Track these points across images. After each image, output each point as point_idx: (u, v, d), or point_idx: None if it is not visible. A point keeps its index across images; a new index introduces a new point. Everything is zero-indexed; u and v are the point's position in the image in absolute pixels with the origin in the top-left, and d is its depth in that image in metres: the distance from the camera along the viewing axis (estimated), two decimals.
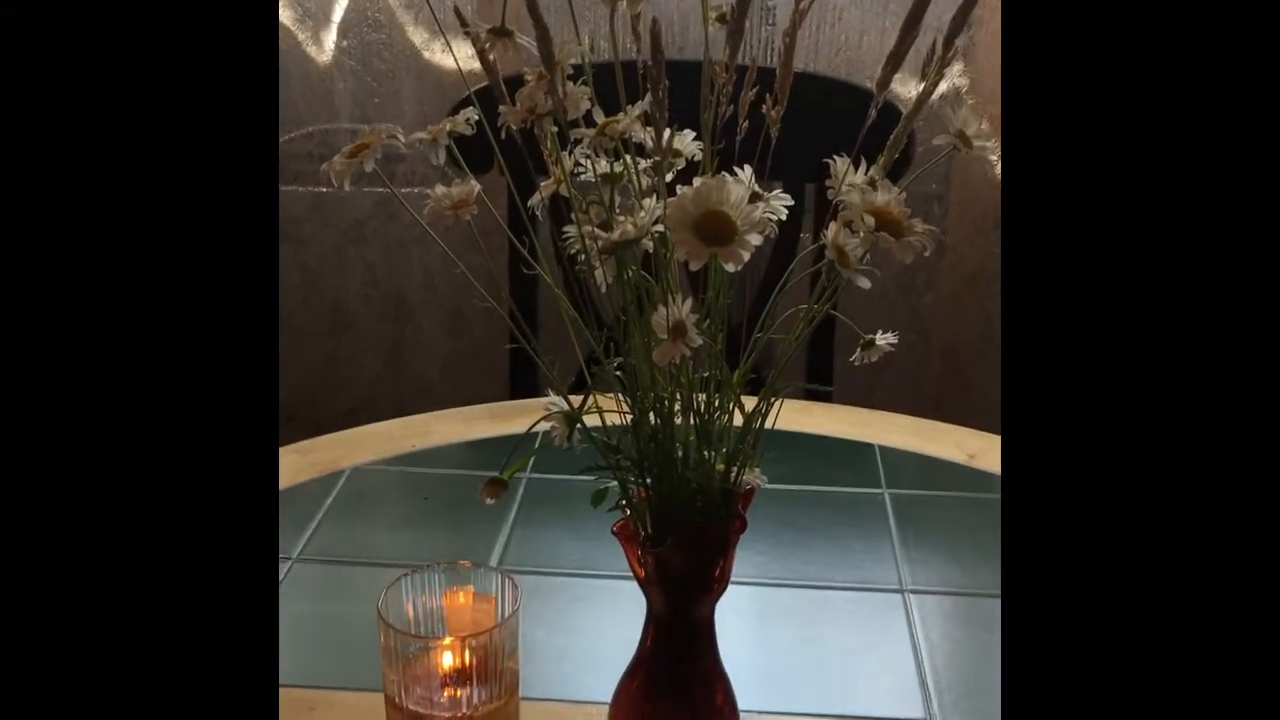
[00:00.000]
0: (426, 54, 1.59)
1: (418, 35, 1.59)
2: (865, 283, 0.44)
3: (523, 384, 1.32)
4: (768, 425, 0.55)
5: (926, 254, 0.43)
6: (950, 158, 0.49)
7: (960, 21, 0.47)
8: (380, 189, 1.66)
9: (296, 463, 0.98)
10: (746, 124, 0.52)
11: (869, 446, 1.01)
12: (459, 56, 1.57)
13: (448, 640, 0.63)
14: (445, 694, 0.62)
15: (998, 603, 0.81)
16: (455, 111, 0.55)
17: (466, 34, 0.52)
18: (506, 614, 0.62)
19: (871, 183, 0.46)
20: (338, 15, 1.58)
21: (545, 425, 0.55)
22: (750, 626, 0.78)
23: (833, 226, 0.45)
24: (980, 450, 1.00)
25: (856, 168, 0.49)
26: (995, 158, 1.54)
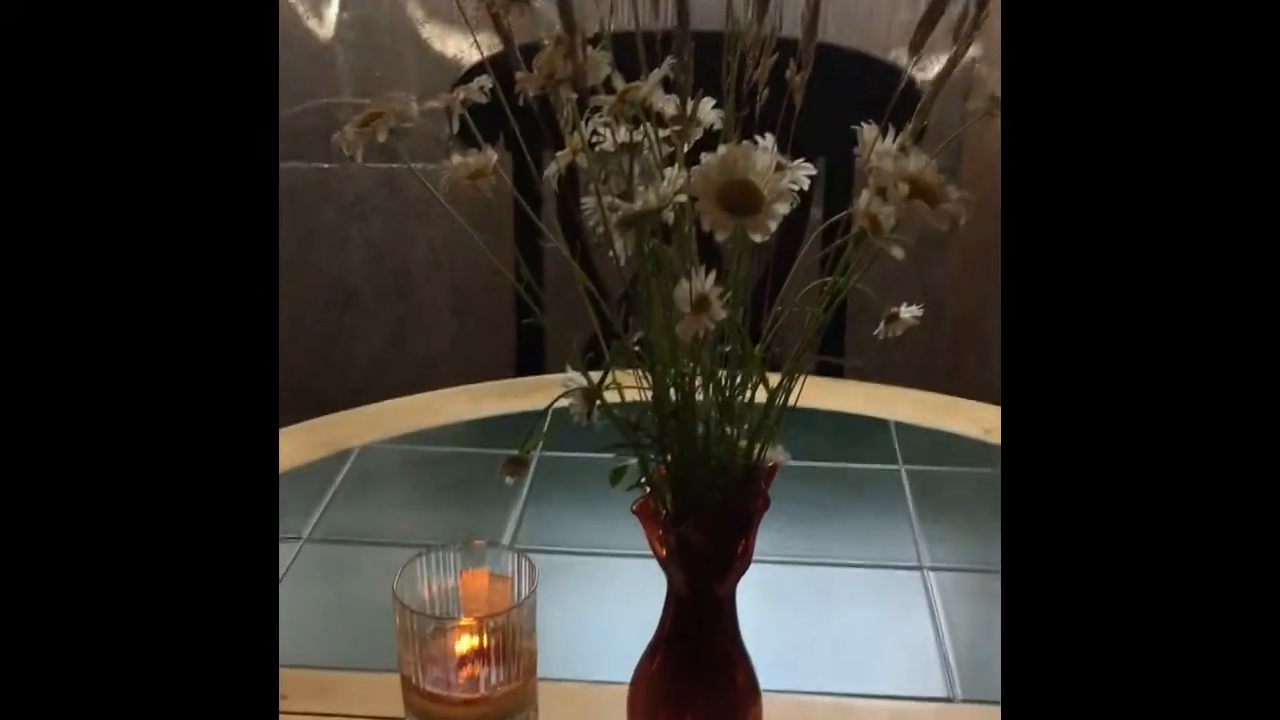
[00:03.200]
0: (429, 26, 1.57)
1: (419, 9, 1.57)
2: (899, 252, 0.43)
3: (529, 360, 1.31)
4: (791, 401, 0.54)
5: (963, 222, 0.42)
6: (962, 129, 0.48)
7: None
8: (383, 165, 1.64)
9: (305, 441, 0.97)
10: (767, 91, 0.51)
11: (884, 422, 1.00)
12: (456, 39, 1.55)
13: (465, 621, 0.62)
14: (462, 675, 0.61)
15: None
16: (460, 84, 0.53)
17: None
18: (524, 594, 0.61)
19: (903, 149, 0.45)
20: None
21: (565, 402, 0.53)
22: (767, 605, 0.77)
23: (864, 194, 0.44)
24: (996, 425, 0.99)
25: (885, 136, 0.48)
26: None
